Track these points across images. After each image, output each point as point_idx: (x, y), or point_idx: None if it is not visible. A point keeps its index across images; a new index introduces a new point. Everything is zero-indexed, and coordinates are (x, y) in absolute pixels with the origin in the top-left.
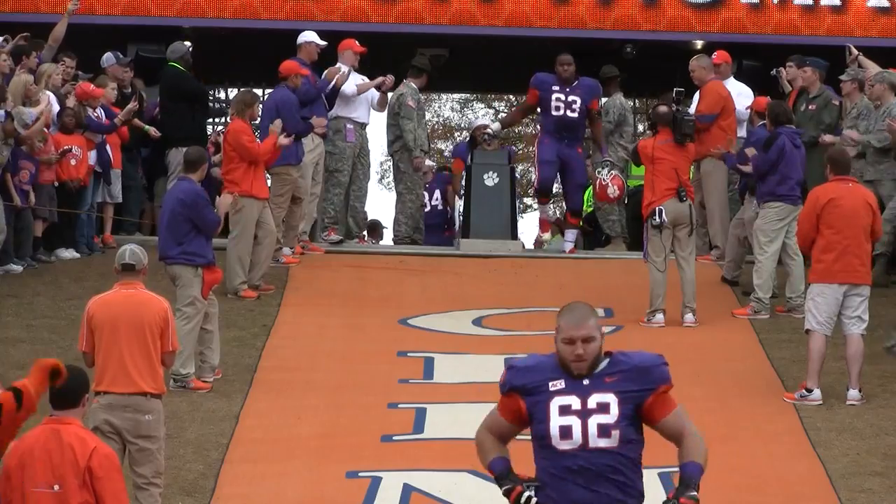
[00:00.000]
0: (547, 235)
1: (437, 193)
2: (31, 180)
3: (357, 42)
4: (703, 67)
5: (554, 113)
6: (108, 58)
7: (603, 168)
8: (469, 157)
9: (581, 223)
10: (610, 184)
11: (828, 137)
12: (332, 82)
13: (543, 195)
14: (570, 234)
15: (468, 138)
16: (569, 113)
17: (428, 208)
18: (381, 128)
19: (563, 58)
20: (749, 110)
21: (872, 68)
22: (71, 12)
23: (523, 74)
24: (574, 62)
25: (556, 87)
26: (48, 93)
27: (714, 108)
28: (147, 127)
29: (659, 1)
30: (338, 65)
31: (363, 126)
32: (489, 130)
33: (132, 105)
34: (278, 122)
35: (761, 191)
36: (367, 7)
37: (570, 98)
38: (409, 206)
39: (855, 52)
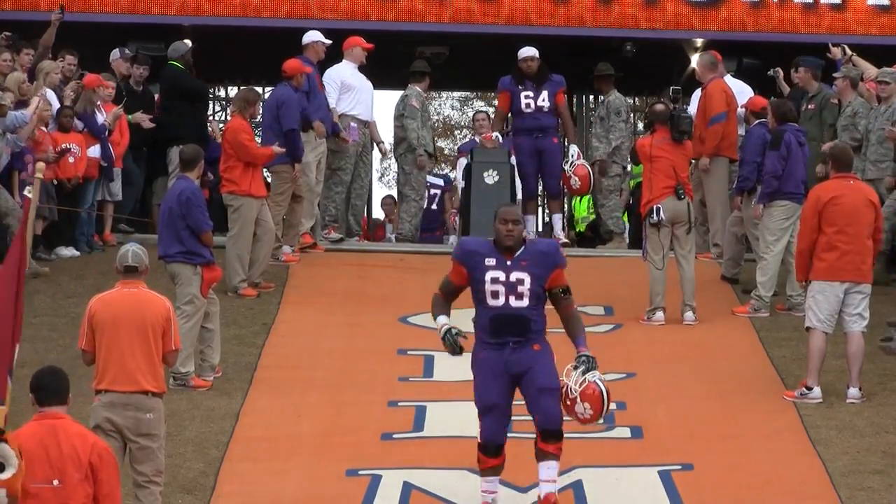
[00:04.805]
0: None
1: None
2: None
3: (363, 39)
4: (703, 65)
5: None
6: (113, 53)
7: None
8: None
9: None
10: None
11: (827, 146)
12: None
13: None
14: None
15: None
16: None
17: None
18: (383, 129)
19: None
20: (745, 109)
21: (867, 68)
22: (56, 21)
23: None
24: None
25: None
26: (48, 90)
27: (723, 106)
28: (130, 117)
29: None
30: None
31: (366, 124)
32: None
33: (116, 110)
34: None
35: (765, 190)
36: (367, 5)
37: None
38: (412, 206)
39: (848, 51)
